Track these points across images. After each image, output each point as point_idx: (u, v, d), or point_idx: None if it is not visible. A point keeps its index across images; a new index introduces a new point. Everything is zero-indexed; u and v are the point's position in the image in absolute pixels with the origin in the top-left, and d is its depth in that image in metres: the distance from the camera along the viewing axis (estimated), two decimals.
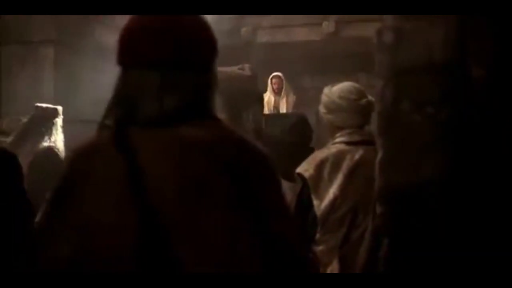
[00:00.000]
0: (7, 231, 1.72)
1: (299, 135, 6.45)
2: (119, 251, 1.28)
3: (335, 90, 2.81)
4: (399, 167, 1.88)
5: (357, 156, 2.70)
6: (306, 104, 8.88)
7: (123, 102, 1.39)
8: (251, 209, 1.32)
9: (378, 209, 1.93)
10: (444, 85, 1.84)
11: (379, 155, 1.91)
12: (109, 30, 6.73)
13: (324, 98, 2.83)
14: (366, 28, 8.42)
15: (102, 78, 6.69)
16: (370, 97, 2.81)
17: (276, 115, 7.71)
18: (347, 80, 3.08)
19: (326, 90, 2.85)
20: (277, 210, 1.38)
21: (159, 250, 1.26)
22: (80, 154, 1.39)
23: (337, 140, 2.78)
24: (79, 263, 1.30)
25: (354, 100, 2.77)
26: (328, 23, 8.66)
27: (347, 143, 2.75)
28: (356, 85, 2.88)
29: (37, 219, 1.57)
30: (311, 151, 5.87)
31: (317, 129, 7.42)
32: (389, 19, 1.95)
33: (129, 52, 1.40)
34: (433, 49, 1.85)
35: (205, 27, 1.45)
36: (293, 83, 8.55)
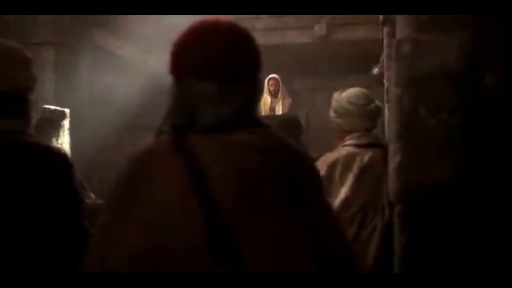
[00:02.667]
0: (62, 228, 1.80)
1: (292, 135, 6.59)
2: (186, 247, 1.35)
3: (344, 96, 2.94)
4: (416, 168, 2.01)
5: (366, 158, 2.83)
6: (297, 106, 9.01)
7: (180, 110, 1.48)
8: (301, 209, 1.43)
9: (396, 208, 2.05)
10: (458, 92, 1.97)
11: (398, 157, 2.03)
12: (107, 33, 6.83)
13: (333, 103, 2.97)
14: (356, 31, 8.59)
15: (100, 79, 6.79)
16: (377, 102, 2.95)
17: (269, 117, 7.83)
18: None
19: (335, 95, 2.98)
20: (324, 210, 1.49)
21: (224, 248, 1.34)
22: (141, 157, 1.47)
23: (347, 143, 2.91)
24: (146, 260, 1.36)
25: (362, 105, 2.91)
26: (319, 26, 8.79)
27: (356, 145, 2.89)
28: (364, 90, 3.01)
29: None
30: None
31: (308, 130, 7.55)
32: (406, 31, 2.08)
33: (186, 65, 1.49)
34: (448, 59, 1.98)
35: (253, 41, 1.55)
36: (285, 85, 8.69)
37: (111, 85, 6.65)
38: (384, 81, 6.78)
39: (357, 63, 8.79)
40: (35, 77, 1.97)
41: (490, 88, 1.94)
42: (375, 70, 7.93)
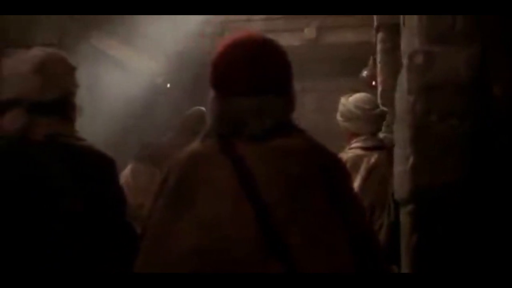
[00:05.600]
0: (110, 228, 1.89)
1: None
2: (239, 247, 1.43)
3: (351, 101, 3.11)
4: (428, 170, 2.16)
5: (372, 160, 3.01)
6: None
7: (224, 121, 1.59)
8: (338, 205, 1.56)
9: (408, 208, 2.21)
10: (467, 101, 2.13)
11: (410, 160, 2.18)
12: (105, 36, 6.94)
13: (341, 107, 3.14)
14: (345, 35, 8.76)
15: (98, 80, 6.88)
16: (382, 107, 3.12)
17: None
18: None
19: (343, 100, 3.15)
20: (357, 207, 1.64)
21: (275, 247, 1.43)
22: (190, 159, 1.57)
23: (354, 145, 3.09)
24: (199, 260, 1.43)
25: (368, 110, 3.08)
26: (309, 29, 8.95)
27: (362, 148, 3.07)
28: (369, 95, 3.18)
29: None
30: None
31: None
32: (417, 43, 2.24)
33: (229, 83, 1.61)
34: (458, 70, 2.14)
35: (286, 54, 1.69)
36: None
37: (109, 86, 6.75)
38: (374, 83, 6.96)
39: (346, 65, 8.95)
40: (78, 83, 2.10)
41: (496, 98, 2.11)
42: (364, 73, 8.12)
